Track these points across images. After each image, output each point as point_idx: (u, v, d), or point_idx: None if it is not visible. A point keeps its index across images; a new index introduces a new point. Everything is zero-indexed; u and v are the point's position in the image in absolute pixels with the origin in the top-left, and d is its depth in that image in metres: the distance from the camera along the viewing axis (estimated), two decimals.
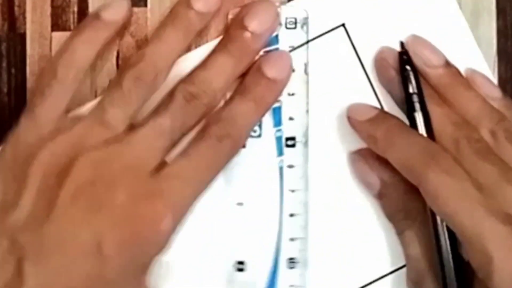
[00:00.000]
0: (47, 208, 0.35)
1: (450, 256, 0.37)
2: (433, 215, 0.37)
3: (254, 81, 0.39)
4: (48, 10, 0.42)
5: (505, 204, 0.35)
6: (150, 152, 0.36)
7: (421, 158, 0.36)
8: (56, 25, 0.42)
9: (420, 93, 0.39)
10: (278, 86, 0.39)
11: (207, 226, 0.40)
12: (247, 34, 0.39)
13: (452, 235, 0.37)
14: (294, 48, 0.41)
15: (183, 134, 0.38)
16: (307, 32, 0.41)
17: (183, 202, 0.36)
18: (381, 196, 0.40)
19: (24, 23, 0.42)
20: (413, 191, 0.37)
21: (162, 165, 0.37)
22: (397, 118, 0.39)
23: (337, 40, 0.41)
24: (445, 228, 0.37)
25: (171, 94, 0.38)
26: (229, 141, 0.38)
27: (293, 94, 0.41)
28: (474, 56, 0.41)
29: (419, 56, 0.39)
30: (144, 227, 0.35)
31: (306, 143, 0.41)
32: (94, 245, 0.34)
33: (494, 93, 0.40)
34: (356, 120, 0.39)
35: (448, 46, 0.40)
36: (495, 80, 0.42)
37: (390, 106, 0.41)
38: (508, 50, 0.42)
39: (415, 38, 0.40)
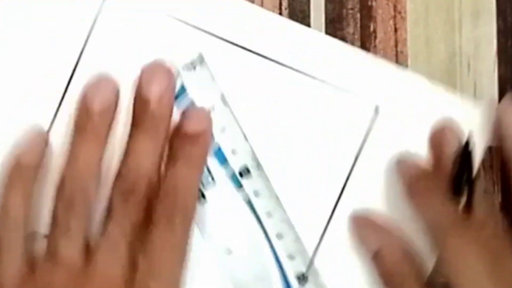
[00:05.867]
0: None
1: None
2: None
3: (178, 144, 0.38)
4: None
5: None
6: (115, 267, 0.37)
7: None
8: None
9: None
10: (204, 137, 0.39)
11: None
12: (150, 105, 0.37)
13: None
14: (203, 88, 0.40)
15: (140, 228, 0.37)
16: (208, 69, 0.40)
17: None
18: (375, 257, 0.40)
19: None
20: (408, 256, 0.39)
21: (134, 267, 0.37)
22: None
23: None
24: None
25: (109, 201, 0.38)
26: (179, 215, 0.37)
27: (224, 129, 0.40)
28: None
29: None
30: None
31: (259, 166, 0.41)
32: None
33: None
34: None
35: None
36: (494, 80, 0.41)
37: None
38: (508, 50, 0.41)
39: None
